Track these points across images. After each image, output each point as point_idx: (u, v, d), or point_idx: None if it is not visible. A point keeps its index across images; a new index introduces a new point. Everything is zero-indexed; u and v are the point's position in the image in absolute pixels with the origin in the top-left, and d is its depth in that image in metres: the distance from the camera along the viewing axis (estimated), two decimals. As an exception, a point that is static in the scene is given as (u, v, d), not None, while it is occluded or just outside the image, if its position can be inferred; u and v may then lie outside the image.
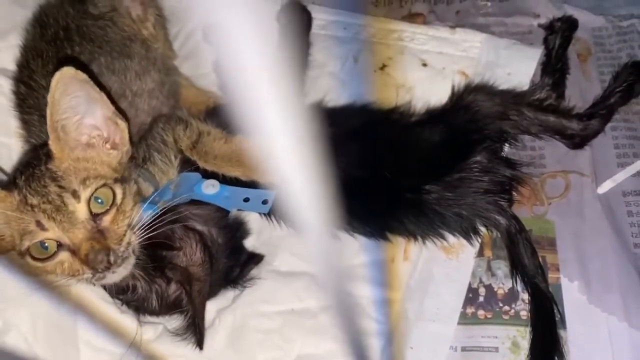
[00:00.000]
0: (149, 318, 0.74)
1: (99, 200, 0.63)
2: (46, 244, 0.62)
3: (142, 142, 0.77)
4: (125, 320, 0.73)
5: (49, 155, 0.64)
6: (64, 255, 0.62)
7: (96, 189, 0.63)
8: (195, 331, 0.69)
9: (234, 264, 0.76)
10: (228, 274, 0.75)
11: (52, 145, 0.64)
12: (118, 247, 0.62)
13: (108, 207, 0.63)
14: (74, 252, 0.61)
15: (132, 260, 0.64)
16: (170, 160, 0.76)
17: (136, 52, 0.85)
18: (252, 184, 0.75)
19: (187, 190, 0.75)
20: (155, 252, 0.68)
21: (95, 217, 0.62)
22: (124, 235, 0.63)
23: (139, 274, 0.68)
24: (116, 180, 0.65)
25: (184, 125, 0.76)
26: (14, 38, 0.88)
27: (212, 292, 0.74)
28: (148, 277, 0.68)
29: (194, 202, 0.75)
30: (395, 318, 0.74)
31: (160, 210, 0.68)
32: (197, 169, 0.76)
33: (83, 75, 0.63)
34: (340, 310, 0.36)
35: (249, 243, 0.81)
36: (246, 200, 0.75)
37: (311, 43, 0.96)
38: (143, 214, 0.67)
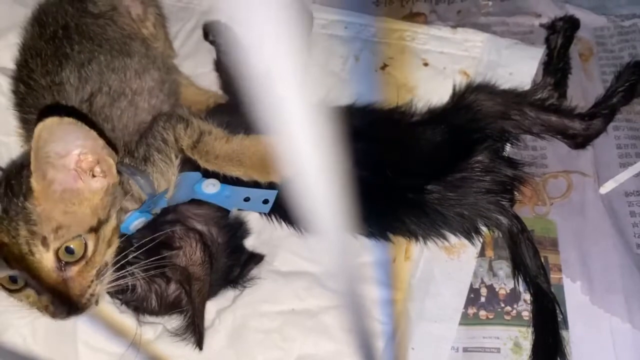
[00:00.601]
0: (148, 318, 0.73)
1: (70, 250, 0.61)
2: (16, 277, 0.62)
3: (142, 141, 0.77)
4: (125, 320, 0.73)
5: (29, 189, 0.61)
6: (30, 292, 0.62)
7: (67, 241, 0.61)
8: (195, 331, 0.68)
9: (234, 263, 0.75)
10: (228, 273, 0.75)
11: (34, 183, 0.61)
12: (80, 299, 0.61)
13: (77, 259, 0.62)
14: (39, 293, 0.61)
15: (94, 307, 0.64)
16: (171, 160, 0.75)
17: (136, 51, 0.84)
18: (253, 184, 0.75)
19: (188, 190, 0.75)
20: (155, 252, 0.67)
21: (62, 265, 0.61)
22: (89, 287, 0.62)
23: (138, 274, 0.68)
24: (91, 230, 0.63)
25: (184, 124, 0.75)
26: (13, 37, 0.88)
27: (212, 292, 0.73)
28: (147, 276, 0.68)
29: (195, 202, 0.75)
30: (397, 318, 0.74)
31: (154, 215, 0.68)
32: (197, 168, 0.75)
33: (68, 119, 0.60)
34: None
35: (249, 243, 0.80)
36: (247, 199, 0.75)
37: (312, 42, 0.96)
38: (132, 226, 0.66)
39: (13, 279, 0.62)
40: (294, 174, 0.27)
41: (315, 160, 0.26)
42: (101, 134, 0.66)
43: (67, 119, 0.60)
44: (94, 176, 0.65)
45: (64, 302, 0.61)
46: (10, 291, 0.63)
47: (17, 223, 0.60)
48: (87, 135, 0.63)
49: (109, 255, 0.65)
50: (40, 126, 0.59)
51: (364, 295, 0.72)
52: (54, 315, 0.62)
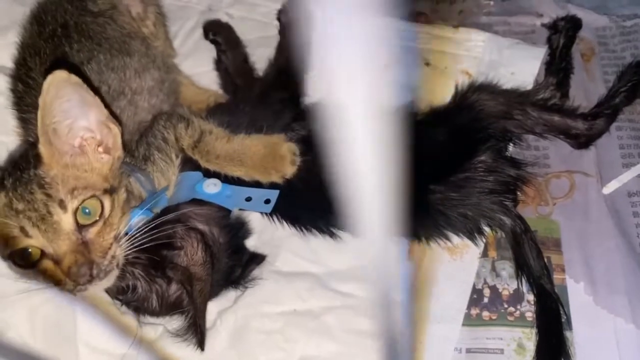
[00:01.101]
0: (149, 319, 0.72)
1: (86, 211, 0.61)
2: (29, 250, 0.60)
3: (142, 140, 0.76)
4: (126, 320, 0.72)
5: (38, 159, 0.63)
6: (46, 264, 0.61)
7: (84, 201, 0.61)
8: (196, 332, 0.67)
9: (236, 264, 0.74)
10: (230, 274, 0.74)
11: (42, 149, 0.62)
12: (102, 260, 0.61)
13: (95, 219, 0.62)
14: (57, 262, 0.60)
15: (115, 272, 0.63)
16: (171, 159, 0.75)
17: (136, 50, 0.84)
18: (254, 184, 0.74)
19: (189, 189, 0.74)
20: (156, 252, 0.67)
21: (81, 228, 0.61)
22: (109, 248, 0.62)
23: (139, 274, 0.67)
24: (105, 192, 0.63)
25: (185, 123, 0.75)
26: (12, 35, 0.87)
27: (214, 293, 0.73)
28: (148, 276, 0.67)
29: (196, 202, 0.74)
30: (399, 319, 0.73)
31: (156, 214, 0.67)
32: (199, 168, 0.75)
33: (76, 79, 0.61)
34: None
35: (251, 243, 0.79)
36: (248, 199, 0.74)
37: (313, 42, 0.96)
38: (132, 224, 0.65)
39: (27, 252, 0.61)
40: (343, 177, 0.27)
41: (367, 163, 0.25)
42: (106, 104, 0.67)
43: (74, 78, 0.62)
44: (99, 146, 0.66)
45: (86, 261, 0.60)
46: (24, 267, 0.62)
47: (32, 188, 0.60)
48: (93, 102, 0.64)
49: (124, 224, 0.64)
50: (48, 79, 0.60)
51: (361, 296, 0.73)
52: (76, 278, 0.59)
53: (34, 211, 0.60)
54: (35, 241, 0.60)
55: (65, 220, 0.60)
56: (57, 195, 0.61)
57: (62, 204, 0.60)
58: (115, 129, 0.67)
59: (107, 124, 0.66)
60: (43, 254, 0.61)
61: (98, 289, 0.64)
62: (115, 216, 0.64)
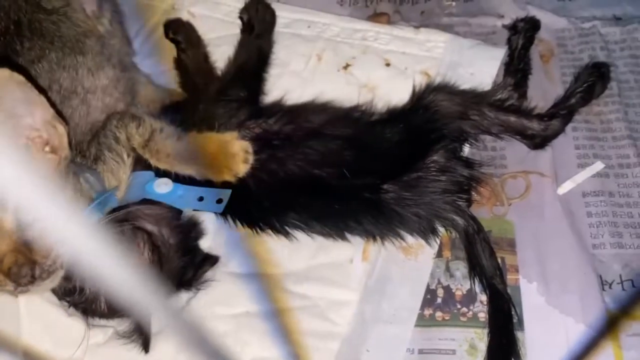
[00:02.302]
0: (98, 321, 0.71)
1: None
2: None
3: (94, 140, 0.75)
4: (73, 323, 0.71)
5: None
6: None
7: None
8: (141, 334, 0.66)
9: (188, 265, 0.73)
10: (181, 275, 0.73)
11: None
12: (44, 261, 0.59)
13: None
14: None
15: (60, 273, 0.61)
16: (122, 159, 0.73)
17: (90, 48, 0.82)
18: (207, 183, 0.73)
19: (139, 189, 0.73)
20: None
21: (23, 227, 0.59)
22: (53, 248, 0.60)
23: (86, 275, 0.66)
24: None
25: (137, 122, 0.74)
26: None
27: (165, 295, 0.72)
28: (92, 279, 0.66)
29: (147, 202, 0.73)
30: (352, 320, 0.73)
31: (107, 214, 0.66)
32: (150, 167, 0.74)
33: (19, 77, 0.60)
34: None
35: (206, 244, 0.78)
36: (200, 199, 0.74)
37: (274, 41, 0.95)
38: None
39: None
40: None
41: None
42: (52, 103, 0.65)
43: (18, 76, 0.59)
44: (45, 146, 0.64)
45: (27, 262, 0.58)
46: None
47: None
48: (38, 101, 0.62)
49: None
50: None
51: (314, 296, 0.72)
52: (17, 279, 0.58)
53: None
54: None
55: (6, 219, 0.59)
56: None
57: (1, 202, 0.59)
58: (62, 128, 0.65)
59: (53, 124, 0.65)
60: None
61: (41, 290, 0.63)
62: None
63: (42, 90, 0.65)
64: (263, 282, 0.76)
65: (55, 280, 0.62)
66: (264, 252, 0.77)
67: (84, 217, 0.23)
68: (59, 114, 0.67)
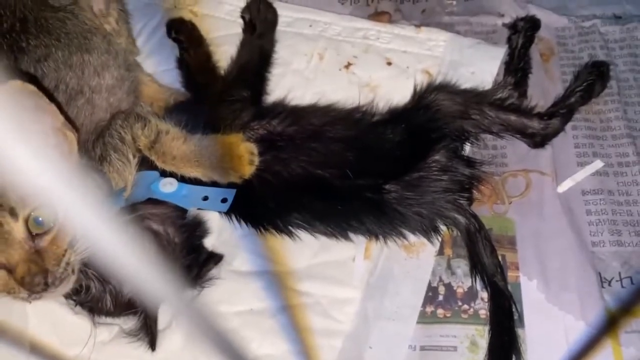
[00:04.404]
0: (103, 319, 0.72)
1: (39, 220, 0.60)
2: None
3: (99, 140, 0.76)
4: (80, 321, 0.72)
5: None
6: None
7: (35, 208, 0.59)
8: (147, 332, 0.67)
9: (193, 263, 0.74)
10: (186, 273, 0.74)
11: None
12: (56, 268, 0.60)
13: (50, 227, 0.60)
14: (9, 270, 0.59)
15: (72, 279, 0.62)
16: (128, 159, 0.74)
17: (96, 47, 0.83)
18: (211, 183, 0.74)
19: (145, 189, 0.74)
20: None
21: (33, 236, 0.60)
22: (64, 255, 0.61)
23: (92, 274, 0.67)
24: None
25: (142, 123, 0.74)
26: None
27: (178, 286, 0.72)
28: (102, 277, 0.67)
29: (152, 201, 0.74)
30: (354, 317, 0.74)
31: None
32: (155, 167, 0.75)
33: (31, 87, 0.60)
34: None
35: (210, 243, 0.79)
36: (205, 198, 0.74)
37: (276, 40, 0.96)
38: None
39: None
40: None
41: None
42: (61, 109, 0.65)
43: (29, 86, 0.60)
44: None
45: (40, 271, 0.59)
46: None
47: None
48: (47, 109, 0.63)
49: None
50: (1, 89, 0.57)
51: (317, 294, 0.73)
52: (30, 287, 0.59)
53: None
54: None
55: (17, 229, 0.59)
56: (7, 203, 0.59)
57: (12, 212, 0.59)
58: (71, 135, 0.65)
59: (63, 131, 0.65)
60: None
61: (54, 296, 0.63)
62: (70, 223, 0.62)
63: (52, 98, 0.65)
64: (267, 280, 0.76)
65: (67, 286, 0.63)
66: (268, 250, 0.78)
67: (103, 212, 0.24)
68: (69, 120, 0.67)
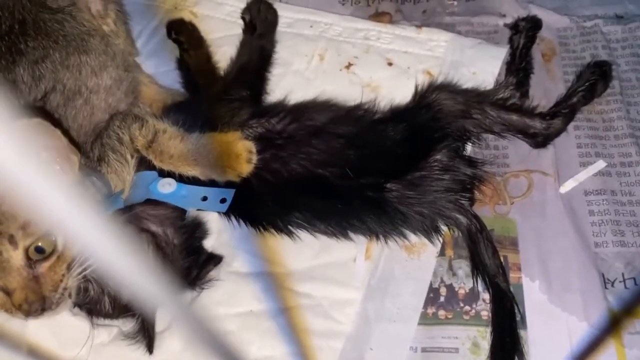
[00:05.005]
0: (102, 321, 0.72)
1: (39, 249, 0.60)
2: None
3: (97, 141, 0.75)
4: (78, 322, 0.71)
5: None
6: None
7: (37, 239, 0.60)
8: (145, 335, 0.67)
9: (192, 265, 0.74)
10: (186, 275, 0.74)
11: None
12: (53, 294, 0.61)
13: (48, 255, 0.60)
14: (7, 293, 0.60)
15: (67, 302, 0.63)
16: (126, 160, 0.74)
17: (94, 48, 0.82)
18: (210, 183, 0.74)
19: (143, 189, 0.73)
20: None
21: (32, 263, 0.60)
22: (61, 281, 0.61)
23: (90, 276, 0.66)
24: None
25: (140, 123, 0.74)
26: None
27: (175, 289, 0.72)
28: (100, 278, 0.66)
29: (151, 202, 0.73)
30: (355, 319, 0.73)
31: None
32: (154, 167, 0.74)
33: (37, 120, 0.59)
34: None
35: (209, 244, 0.79)
36: (204, 199, 0.74)
37: (277, 41, 0.95)
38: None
39: None
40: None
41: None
42: (64, 132, 0.65)
43: (36, 121, 0.59)
44: None
45: (37, 298, 0.60)
46: None
47: None
48: (52, 135, 0.62)
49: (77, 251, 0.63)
50: None
51: (318, 295, 0.72)
52: (28, 313, 0.60)
53: None
54: None
55: (15, 257, 0.59)
56: (7, 231, 0.59)
57: (12, 240, 0.59)
58: (74, 158, 0.64)
59: (66, 154, 0.64)
60: None
61: (50, 316, 0.64)
62: (69, 248, 0.62)
63: (56, 124, 0.65)
64: (267, 281, 0.76)
65: (64, 308, 0.64)
66: (267, 251, 0.78)
67: (100, 216, 0.24)
68: (72, 141, 0.66)
